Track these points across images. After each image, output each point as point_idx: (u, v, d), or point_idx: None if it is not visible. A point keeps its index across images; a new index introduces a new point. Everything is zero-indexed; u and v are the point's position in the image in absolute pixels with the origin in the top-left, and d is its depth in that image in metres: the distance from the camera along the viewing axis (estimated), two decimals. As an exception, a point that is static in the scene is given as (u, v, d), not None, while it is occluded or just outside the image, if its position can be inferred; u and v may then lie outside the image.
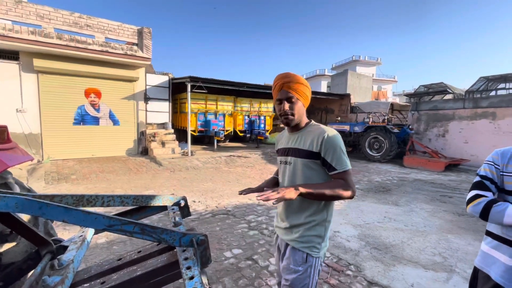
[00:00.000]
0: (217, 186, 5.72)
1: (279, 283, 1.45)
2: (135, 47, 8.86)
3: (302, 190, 1.09)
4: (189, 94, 9.34)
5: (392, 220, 3.93)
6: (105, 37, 8.39)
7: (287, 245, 1.29)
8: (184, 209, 1.31)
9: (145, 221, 1.05)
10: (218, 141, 12.39)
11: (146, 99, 9.92)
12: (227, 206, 4.39)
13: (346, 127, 10.97)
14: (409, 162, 8.54)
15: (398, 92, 36.13)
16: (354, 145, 10.92)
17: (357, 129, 10.39)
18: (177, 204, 1.33)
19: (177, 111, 12.07)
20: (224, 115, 12.10)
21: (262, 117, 13.53)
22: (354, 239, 3.24)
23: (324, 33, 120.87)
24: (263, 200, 1.00)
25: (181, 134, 11.90)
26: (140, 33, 9.03)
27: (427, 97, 11.74)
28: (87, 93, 8.70)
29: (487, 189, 1.13)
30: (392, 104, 10.18)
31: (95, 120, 8.93)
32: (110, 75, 8.84)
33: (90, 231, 1.16)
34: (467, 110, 9.08)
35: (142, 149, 9.69)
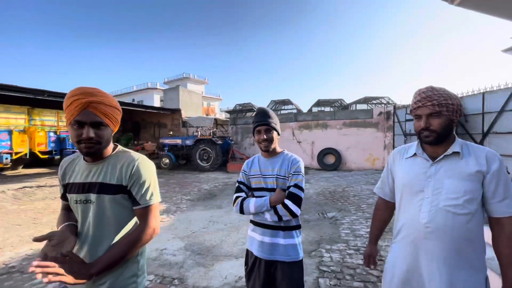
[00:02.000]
0: (-6, 235, 3.98)
1: None
2: None
3: (96, 270, 0.92)
4: None
5: (216, 222, 4.44)
6: None
7: None
8: None
9: None
10: (2, 169, 8.75)
11: None
12: (9, 261, 3.16)
13: (179, 141, 11.31)
14: (232, 168, 10.11)
15: (224, 108, 41.91)
16: (187, 158, 11.44)
17: (188, 142, 10.98)
18: None
19: None
20: (10, 132, 8.73)
21: (76, 133, 11.02)
22: (180, 252, 3.35)
23: (155, 46, 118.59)
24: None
25: None
26: None
27: (241, 113, 14.52)
28: None
29: (241, 190, 1.54)
30: (216, 119, 11.69)
31: None
32: None
33: None
34: (266, 124, 12.14)
35: None
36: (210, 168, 10.38)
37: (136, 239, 1.01)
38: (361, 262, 2.95)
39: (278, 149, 1.57)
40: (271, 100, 14.13)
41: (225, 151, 11.15)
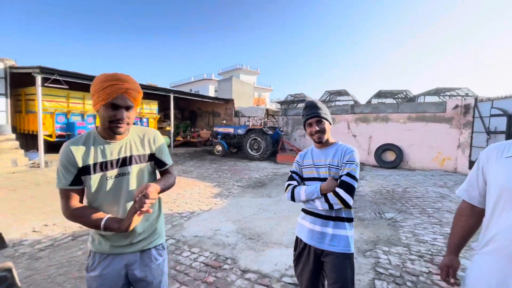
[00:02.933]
0: (83, 201, 4.79)
1: None
2: None
3: (159, 187, 1.16)
4: (39, 88, 7.36)
5: (265, 210, 4.53)
6: None
7: (142, 252, 1.24)
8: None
9: None
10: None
11: (-38, 92, 7.06)
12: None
13: (231, 130, 11.75)
14: (281, 159, 10.10)
15: (275, 99, 41.83)
16: (238, 146, 11.84)
17: (240, 131, 11.32)
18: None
19: (22, 110, 9.25)
20: (95, 117, 10.27)
21: (144, 120, 12.37)
22: (232, 234, 3.52)
23: (211, 38, 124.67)
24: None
25: (29, 140, 9.20)
26: None
27: (293, 104, 14.26)
28: None
29: (293, 179, 1.57)
30: (267, 110, 11.75)
31: None
32: None
33: None
34: (319, 116, 11.68)
35: (-44, 163, 6.80)
36: (260, 157, 10.56)
37: (172, 179, 1.34)
38: (425, 270, 2.66)
39: (332, 140, 1.54)
40: (326, 91, 13.50)
41: (275, 141, 11.17)
